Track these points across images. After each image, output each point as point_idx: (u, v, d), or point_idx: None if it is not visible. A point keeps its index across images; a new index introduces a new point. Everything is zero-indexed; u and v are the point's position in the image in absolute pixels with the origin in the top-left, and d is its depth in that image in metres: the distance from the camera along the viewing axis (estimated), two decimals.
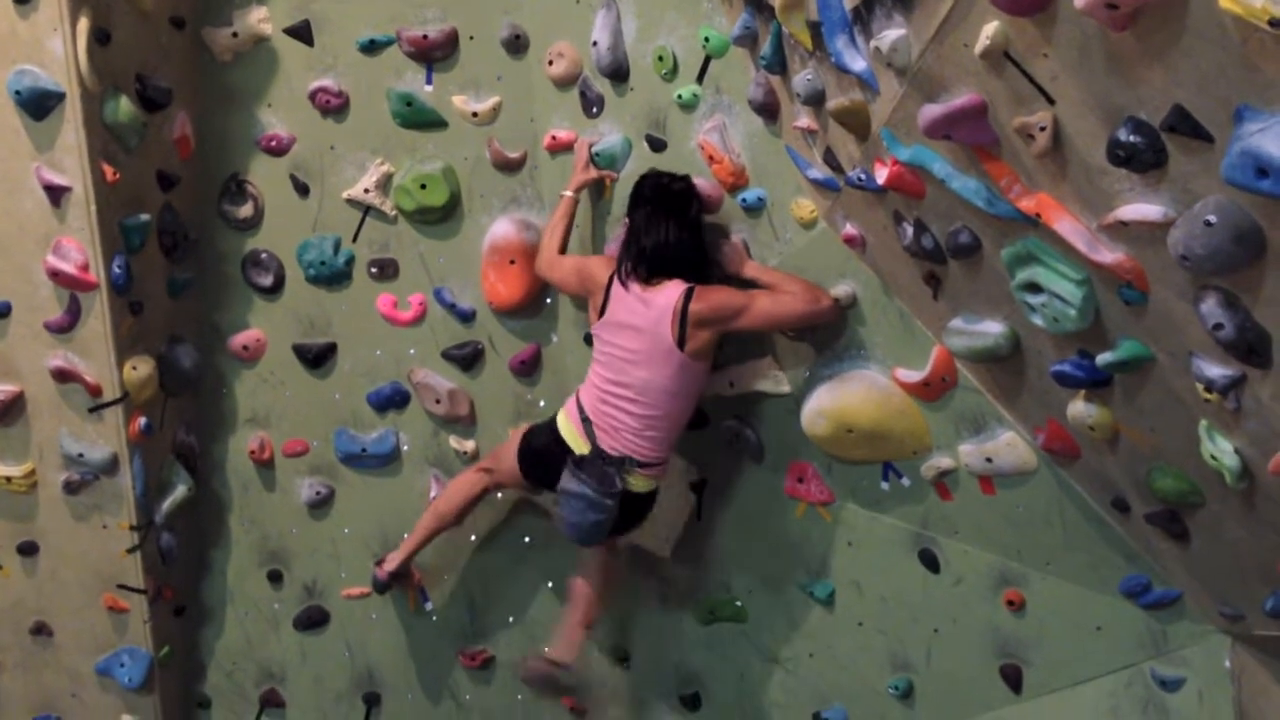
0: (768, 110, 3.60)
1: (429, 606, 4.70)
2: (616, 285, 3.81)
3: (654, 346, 3.71)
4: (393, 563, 4.39)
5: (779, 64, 3.32)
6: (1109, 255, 2.43)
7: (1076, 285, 2.63)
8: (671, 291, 3.70)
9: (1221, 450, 2.58)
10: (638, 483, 3.84)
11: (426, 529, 4.35)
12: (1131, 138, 2.14)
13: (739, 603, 4.41)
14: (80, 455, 4.00)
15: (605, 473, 3.78)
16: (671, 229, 3.73)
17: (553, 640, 4.30)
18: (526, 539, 4.58)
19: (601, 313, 3.86)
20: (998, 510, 3.70)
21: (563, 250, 4.08)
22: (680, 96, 3.85)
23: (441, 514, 4.32)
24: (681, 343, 3.68)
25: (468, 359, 4.43)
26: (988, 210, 2.70)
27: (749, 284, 3.77)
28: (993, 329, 3.18)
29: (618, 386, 3.78)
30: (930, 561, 3.92)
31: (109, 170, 3.66)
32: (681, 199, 3.77)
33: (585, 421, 3.85)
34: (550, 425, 3.98)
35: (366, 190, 4.27)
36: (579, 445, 3.85)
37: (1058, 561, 3.67)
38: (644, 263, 3.74)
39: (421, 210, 4.26)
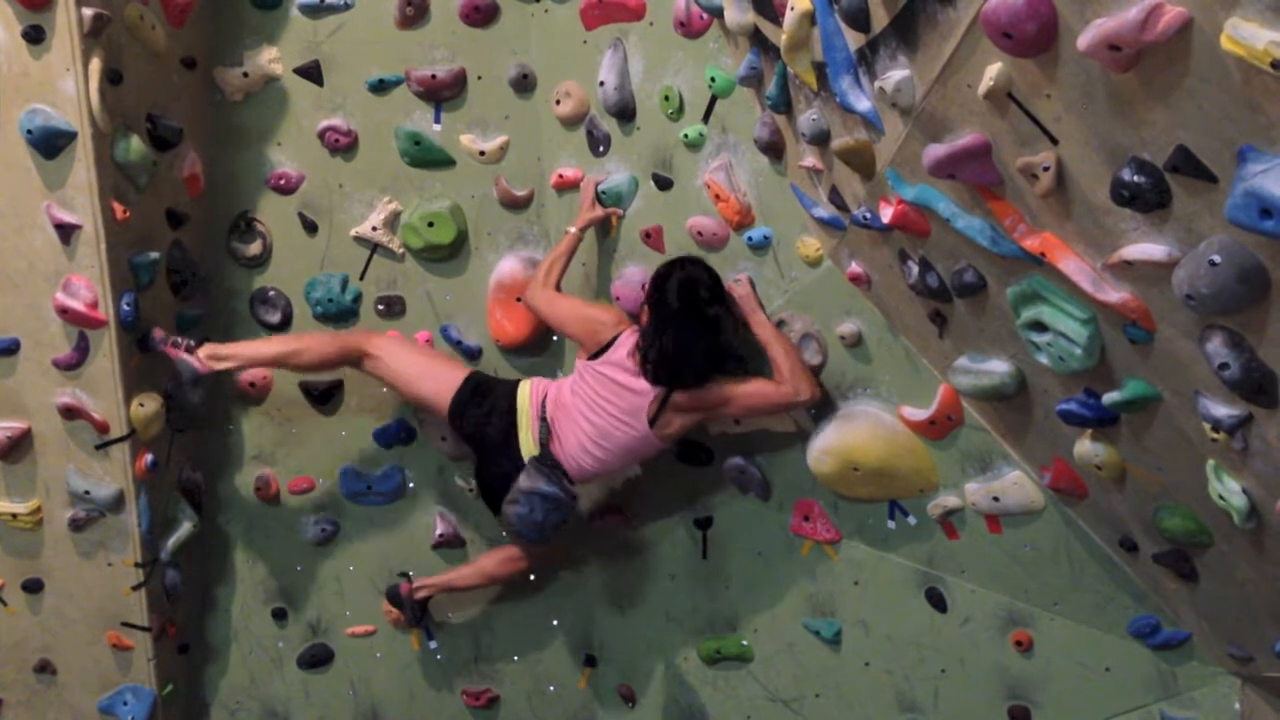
0: (773, 149, 3.62)
1: (433, 645, 4.67)
2: (620, 345, 3.82)
3: (627, 413, 3.80)
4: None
5: (784, 104, 3.34)
6: (1114, 294, 2.43)
7: (1082, 324, 2.63)
8: None
9: (1229, 490, 2.57)
10: None
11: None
12: (1135, 178, 2.15)
13: (745, 641, 4.38)
14: (86, 492, 3.99)
15: (555, 475, 3.88)
16: (702, 343, 3.69)
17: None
18: (531, 576, 4.56)
19: (595, 355, 3.88)
20: (1005, 549, 3.68)
21: (557, 287, 4.08)
22: (686, 135, 3.87)
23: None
24: (653, 422, 3.77)
25: None
26: (992, 249, 2.70)
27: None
28: (999, 368, 3.18)
29: (584, 419, 3.86)
30: (937, 601, 3.90)
31: (119, 208, 3.68)
32: (718, 320, 3.72)
33: (543, 422, 3.91)
34: (509, 397, 4.00)
35: (374, 228, 4.29)
36: (528, 444, 3.92)
37: (1066, 601, 3.65)
38: (665, 373, 3.71)
39: (429, 248, 4.28)
